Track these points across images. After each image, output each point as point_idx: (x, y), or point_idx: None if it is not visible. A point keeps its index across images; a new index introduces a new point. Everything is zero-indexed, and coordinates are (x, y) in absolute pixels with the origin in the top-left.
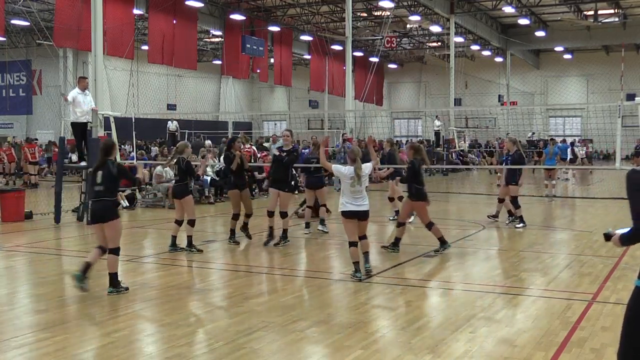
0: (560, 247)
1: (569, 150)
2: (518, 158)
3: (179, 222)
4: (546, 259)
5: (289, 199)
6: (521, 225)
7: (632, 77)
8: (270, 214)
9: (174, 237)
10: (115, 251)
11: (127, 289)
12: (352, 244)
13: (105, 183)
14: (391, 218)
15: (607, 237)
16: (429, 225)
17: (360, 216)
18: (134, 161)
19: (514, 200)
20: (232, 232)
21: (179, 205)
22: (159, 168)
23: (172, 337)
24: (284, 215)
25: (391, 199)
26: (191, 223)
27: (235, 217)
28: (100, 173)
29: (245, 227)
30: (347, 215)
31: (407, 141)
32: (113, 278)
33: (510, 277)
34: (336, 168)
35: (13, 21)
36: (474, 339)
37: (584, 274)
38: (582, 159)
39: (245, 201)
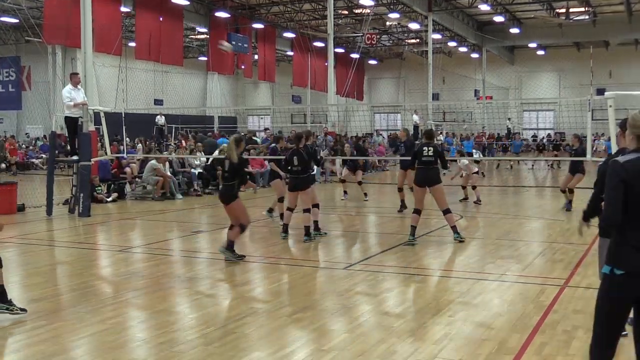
0: (534, 235)
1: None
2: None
3: None
4: (521, 246)
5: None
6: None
7: (601, 73)
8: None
9: None
10: (309, 210)
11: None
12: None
13: (300, 164)
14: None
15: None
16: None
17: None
18: (125, 154)
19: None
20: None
21: None
22: (153, 162)
23: (164, 323)
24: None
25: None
26: None
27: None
28: (295, 158)
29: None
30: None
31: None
32: (309, 228)
33: (487, 264)
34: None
35: (2, 18)
36: (453, 322)
37: (556, 261)
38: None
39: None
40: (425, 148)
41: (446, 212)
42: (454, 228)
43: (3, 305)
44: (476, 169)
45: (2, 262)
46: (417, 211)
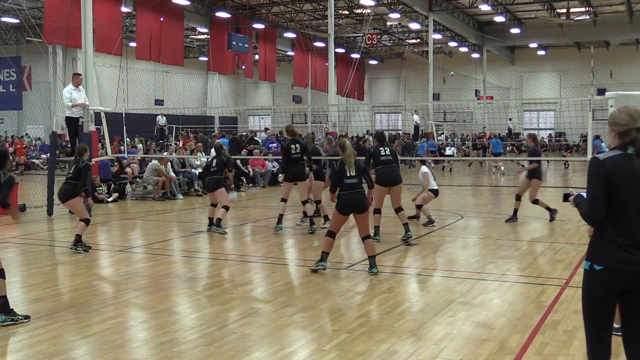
0: (534, 236)
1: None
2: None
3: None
4: (522, 246)
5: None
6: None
7: (602, 73)
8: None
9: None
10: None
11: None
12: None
13: (217, 166)
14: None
15: (566, 196)
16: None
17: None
18: (125, 154)
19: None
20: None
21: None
22: (155, 162)
23: (165, 323)
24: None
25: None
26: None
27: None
28: (215, 161)
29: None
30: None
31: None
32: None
33: (487, 264)
34: None
35: (3, 18)
36: (454, 322)
37: (557, 261)
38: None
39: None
40: (382, 149)
41: (398, 210)
42: (405, 226)
43: (7, 318)
44: (435, 186)
45: (5, 274)
46: (378, 211)
